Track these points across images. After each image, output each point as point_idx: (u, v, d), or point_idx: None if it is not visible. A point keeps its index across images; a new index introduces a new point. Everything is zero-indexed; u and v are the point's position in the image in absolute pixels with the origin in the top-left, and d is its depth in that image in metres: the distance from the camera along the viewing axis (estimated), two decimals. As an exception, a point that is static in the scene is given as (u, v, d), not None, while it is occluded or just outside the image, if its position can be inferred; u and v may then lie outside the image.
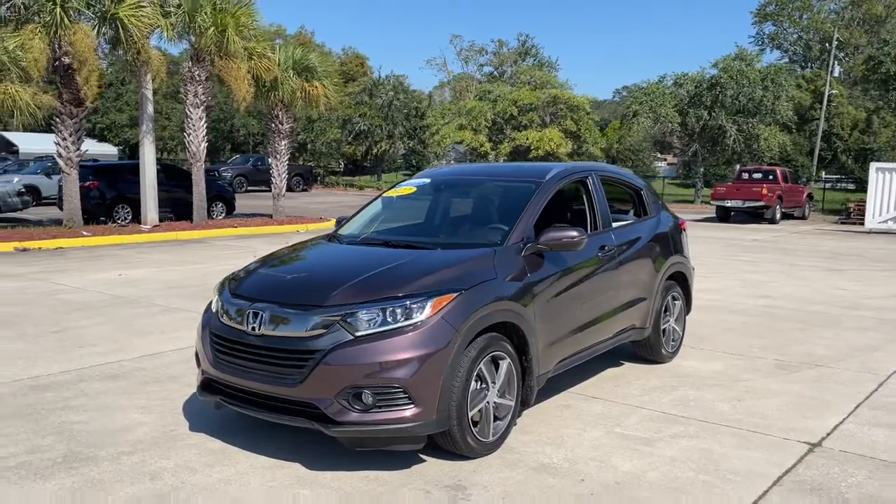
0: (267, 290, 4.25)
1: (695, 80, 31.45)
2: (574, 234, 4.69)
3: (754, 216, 24.07)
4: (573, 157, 38.65)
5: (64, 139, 15.87)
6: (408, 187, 5.70)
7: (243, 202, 27.02)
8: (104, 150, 51.24)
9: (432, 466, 4.09)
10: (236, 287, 4.39)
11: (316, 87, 19.54)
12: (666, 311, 6.29)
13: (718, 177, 37.18)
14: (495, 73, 61.01)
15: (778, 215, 23.92)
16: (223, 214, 20.98)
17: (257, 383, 3.98)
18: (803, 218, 26.09)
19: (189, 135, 18.21)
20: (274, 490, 3.76)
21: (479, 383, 4.16)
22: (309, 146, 39.77)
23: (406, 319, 3.86)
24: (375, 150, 39.03)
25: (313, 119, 39.13)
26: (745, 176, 25.68)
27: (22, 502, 3.59)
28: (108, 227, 16.91)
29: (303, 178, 38.45)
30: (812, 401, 5.39)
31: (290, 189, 37.39)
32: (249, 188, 35.84)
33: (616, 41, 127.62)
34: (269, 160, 21.10)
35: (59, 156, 16.11)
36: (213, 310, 4.43)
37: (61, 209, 17.45)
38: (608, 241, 5.46)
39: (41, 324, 7.52)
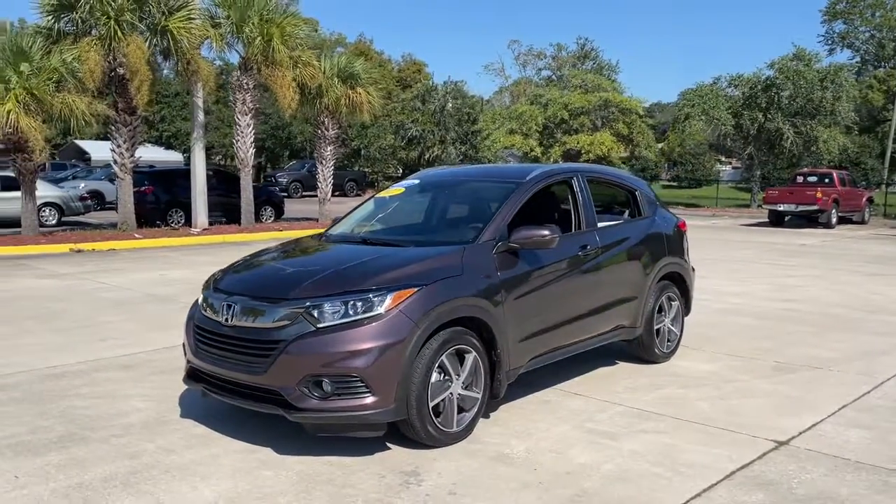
0: (243, 284, 4.53)
1: (749, 81, 30.76)
2: (545, 232, 4.82)
3: (809, 220, 23.44)
4: (627, 161, 38.28)
5: (119, 146, 16.68)
6: (398, 188, 5.93)
7: (297, 206, 27.72)
8: (170, 157, 53.34)
9: (395, 454, 4.28)
10: (218, 282, 4.68)
11: (359, 93, 19.99)
12: (661, 311, 6.33)
13: (781, 181, 36.27)
14: (553, 77, 60.77)
15: (834, 219, 23.20)
16: (272, 218, 21.65)
17: (230, 371, 4.26)
18: (862, 222, 25.23)
19: (237, 141, 18.89)
20: (239, 471, 4.02)
21: (442, 375, 4.33)
22: (363, 152, 40.46)
23: (366, 312, 4.07)
24: (428, 156, 39.44)
25: (367, 125, 39.74)
26: (801, 179, 25.00)
27: (10, 475, 3.94)
28: (159, 230, 17.69)
29: (356, 183, 39.20)
30: (797, 401, 5.37)
31: (343, 194, 38.32)
32: (305, 193, 36.69)
33: (683, 43, 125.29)
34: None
35: (115, 162, 16.95)
36: (199, 303, 4.74)
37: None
38: (591, 240, 5.55)
39: (75, 319, 8.02)
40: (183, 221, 19.28)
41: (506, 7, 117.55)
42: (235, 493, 3.74)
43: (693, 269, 6.87)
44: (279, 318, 4.12)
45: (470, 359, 4.48)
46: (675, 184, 55.04)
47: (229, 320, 4.28)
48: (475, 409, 4.55)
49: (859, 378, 5.97)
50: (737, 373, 6.13)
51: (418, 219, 5.62)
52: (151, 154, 38.24)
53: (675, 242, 6.53)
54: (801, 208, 22.96)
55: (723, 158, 57.75)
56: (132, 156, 16.90)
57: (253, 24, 17.71)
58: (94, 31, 15.58)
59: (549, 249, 5.07)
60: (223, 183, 20.41)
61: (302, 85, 18.80)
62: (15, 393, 5.38)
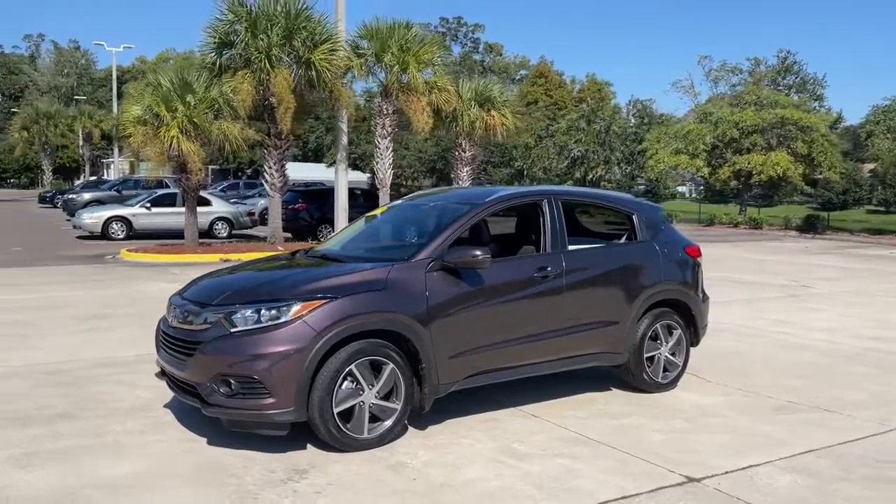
0: (194, 292, 5.14)
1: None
2: (477, 253, 5.00)
3: None
4: (809, 182, 35.45)
5: (269, 167, 18.46)
6: (384, 207, 6.31)
7: None
8: (356, 178, 57.18)
9: (305, 453, 4.65)
10: (184, 289, 5.34)
11: (493, 116, 20.51)
12: (656, 339, 6.15)
13: None
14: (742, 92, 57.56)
15: None
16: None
17: (170, 367, 4.88)
18: None
19: (377, 163, 20.12)
20: (161, 454, 4.60)
21: (354, 383, 4.65)
22: (525, 172, 40.96)
23: (273, 320, 4.51)
24: (591, 176, 39.05)
25: (530, 146, 40.31)
26: None
27: None
28: (304, 243, 19.28)
29: (519, 203, 39.61)
30: (764, 442, 5.05)
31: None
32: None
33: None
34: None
35: (266, 181, 18.76)
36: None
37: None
38: (553, 263, 5.57)
39: (164, 319, 9.18)
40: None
41: (695, 22, 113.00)
42: (139, 470, 4.32)
43: (705, 297, 6.57)
44: (202, 321, 4.67)
45: (387, 370, 4.76)
46: (882, 208, 49.78)
47: (173, 322, 4.90)
48: (392, 420, 4.81)
49: (863, 425, 5.44)
50: (729, 409, 5.81)
51: (381, 237, 5.95)
52: (298, 171, 41.85)
53: (676, 268, 6.31)
54: None
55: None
56: (282, 176, 18.60)
57: (392, 53, 18.85)
58: (248, 66, 17.41)
59: (498, 270, 5.22)
60: (368, 200, 21.77)
61: (438, 109, 19.65)
62: (61, 377, 6.40)
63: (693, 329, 6.46)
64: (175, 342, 4.85)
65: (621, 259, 6.03)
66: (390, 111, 19.71)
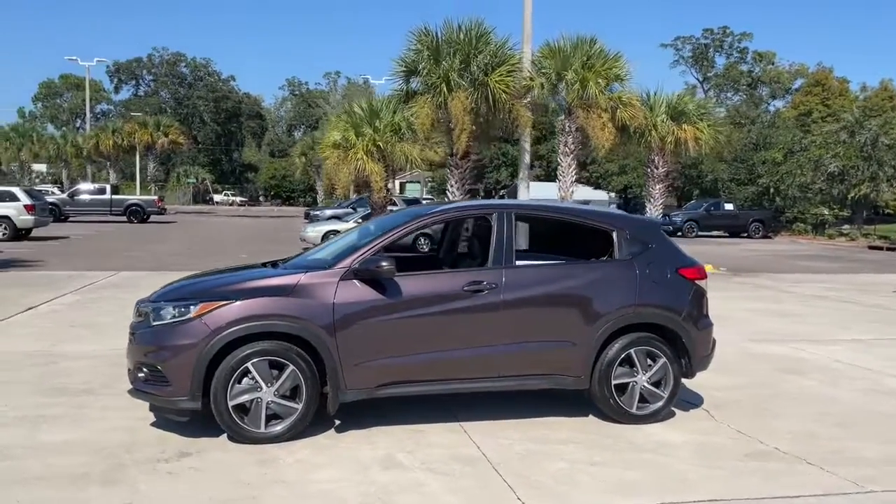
0: (159, 290, 5.85)
1: None
2: (383, 263, 5.13)
3: None
4: None
5: (451, 185, 19.34)
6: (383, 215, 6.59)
7: (686, 247, 26.71)
8: (597, 196, 56.83)
9: (211, 440, 5.12)
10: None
11: (685, 130, 19.36)
12: (631, 365, 5.67)
13: None
14: None
15: None
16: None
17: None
18: None
19: (560, 181, 20.02)
20: (110, 426, 5.35)
21: (252, 380, 5.04)
22: (772, 190, 37.36)
23: (179, 317, 5.08)
24: (853, 194, 34.42)
25: (778, 162, 36.86)
26: None
27: None
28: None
29: (762, 224, 36.37)
30: (671, 484, 4.50)
31: (748, 235, 35.91)
32: (700, 233, 35.56)
33: None
34: (644, 203, 21.38)
35: (448, 200, 19.66)
36: None
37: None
38: (491, 278, 5.44)
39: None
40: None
41: None
42: (66, 439, 5.10)
43: (703, 324, 5.87)
44: (138, 314, 5.38)
45: (287, 371, 5.08)
46: None
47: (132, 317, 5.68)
48: (292, 419, 5.11)
49: (830, 482, 4.57)
50: (689, 449, 5.20)
51: (347, 244, 6.10)
52: (539, 191, 42.01)
53: (659, 290, 5.76)
54: None
55: None
56: (463, 195, 19.38)
57: (574, 70, 18.74)
58: (429, 91, 18.48)
59: (417, 283, 5.32)
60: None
61: (623, 125, 19.08)
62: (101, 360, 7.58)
63: (689, 359, 5.82)
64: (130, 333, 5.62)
65: (582, 277, 5.67)
66: (573, 129, 19.54)
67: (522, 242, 6.32)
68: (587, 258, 6.00)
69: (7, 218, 23.63)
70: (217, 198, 75.54)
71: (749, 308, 12.20)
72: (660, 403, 5.76)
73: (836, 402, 6.51)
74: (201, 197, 74.64)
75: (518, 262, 5.62)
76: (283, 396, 5.11)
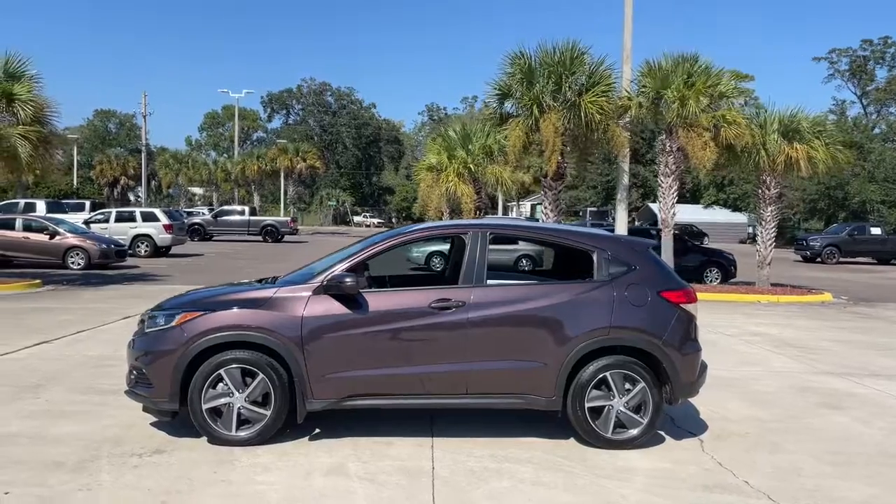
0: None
1: None
2: (348, 280, 5.37)
3: None
4: None
5: (545, 207, 19.26)
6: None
7: (811, 274, 25.17)
8: (736, 219, 54.36)
9: (192, 440, 5.52)
10: (174, 301, 6.61)
11: (796, 149, 18.19)
12: (608, 388, 5.54)
13: None
14: None
15: None
16: (717, 280, 21.08)
17: (136, 358, 6.18)
18: None
19: (660, 202, 19.40)
20: (116, 422, 5.90)
21: (226, 386, 5.41)
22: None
23: (164, 326, 5.54)
24: None
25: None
26: None
27: None
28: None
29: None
30: (597, 512, 4.38)
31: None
32: (842, 259, 32.97)
33: None
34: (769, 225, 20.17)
35: (542, 221, 19.58)
36: None
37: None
38: (459, 296, 5.51)
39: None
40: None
41: None
42: (69, 432, 5.67)
43: (689, 349, 5.61)
44: (140, 322, 5.90)
45: (257, 379, 5.40)
46: None
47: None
48: (261, 425, 5.42)
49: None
50: (647, 477, 5.03)
51: (326, 262, 6.28)
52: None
53: (638, 313, 5.59)
54: None
55: None
56: (556, 217, 19.25)
57: (674, 88, 18.19)
58: (519, 113, 18.57)
59: (383, 299, 5.51)
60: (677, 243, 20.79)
61: (728, 143, 18.25)
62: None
63: (672, 385, 5.60)
64: (136, 337, 6.17)
65: (553, 297, 5.61)
66: (674, 148, 18.88)
67: (507, 262, 6.34)
68: (567, 278, 5.93)
69: (148, 237, 26.09)
70: (357, 219, 78.84)
71: (841, 339, 11.33)
72: (638, 430, 5.57)
73: (856, 440, 5.99)
74: (341, 218, 78.17)
75: (490, 282, 5.66)
76: (255, 403, 5.44)
